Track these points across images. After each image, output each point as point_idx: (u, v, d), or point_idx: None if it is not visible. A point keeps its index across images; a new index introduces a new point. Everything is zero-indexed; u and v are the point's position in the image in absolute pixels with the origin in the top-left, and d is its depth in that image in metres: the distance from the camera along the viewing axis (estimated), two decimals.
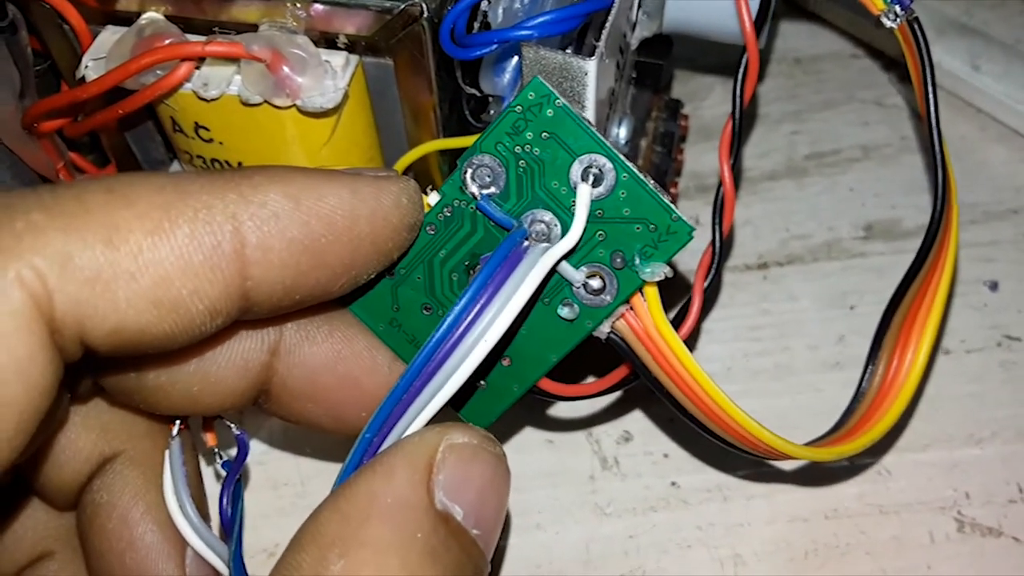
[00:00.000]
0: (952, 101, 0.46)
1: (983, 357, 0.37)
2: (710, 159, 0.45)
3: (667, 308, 0.25)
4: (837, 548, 0.33)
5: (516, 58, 0.31)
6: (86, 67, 0.30)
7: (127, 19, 0.30)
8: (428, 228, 0.24)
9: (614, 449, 0.36)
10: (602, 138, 0.23)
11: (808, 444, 0.30)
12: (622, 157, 0.23)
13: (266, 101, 0.29)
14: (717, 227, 0.29)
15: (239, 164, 0.32)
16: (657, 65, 0.37)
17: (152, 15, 0.30)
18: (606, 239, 0.24)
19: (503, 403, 0.26)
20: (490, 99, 0.33)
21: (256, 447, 0.36)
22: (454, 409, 0.27)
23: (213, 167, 0.32)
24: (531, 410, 0.37)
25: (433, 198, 0.24)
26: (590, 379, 0.28)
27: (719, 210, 0.29)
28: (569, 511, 0.34)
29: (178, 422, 0.25)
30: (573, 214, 0.23)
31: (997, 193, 0.43)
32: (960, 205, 0.31)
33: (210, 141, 0.31)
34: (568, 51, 0.28)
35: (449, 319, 0.21)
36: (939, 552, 0.32)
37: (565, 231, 0.23)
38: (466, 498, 0.21)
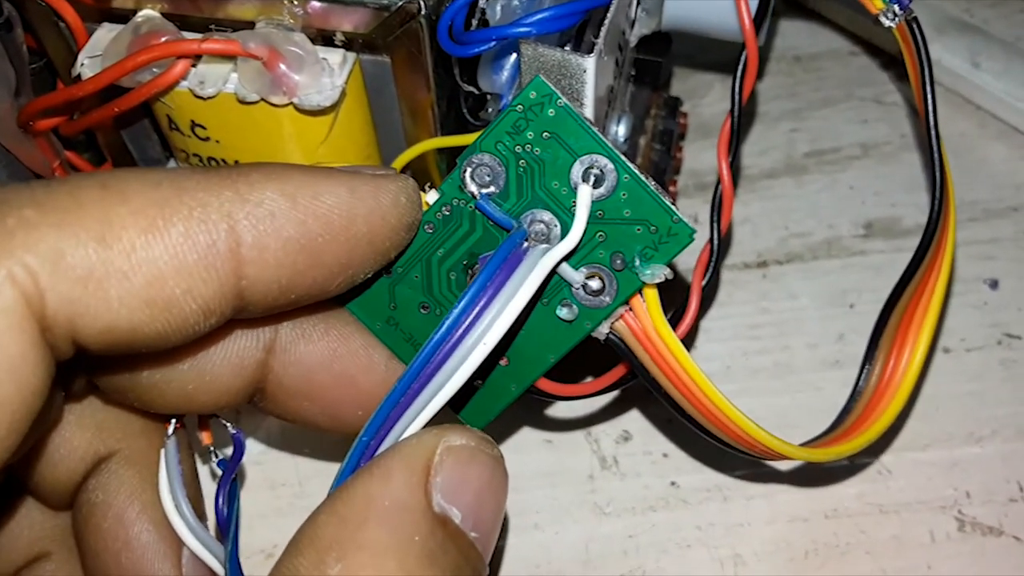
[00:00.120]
0: (952, 98, 0.46)
1: (983, 355, 0.37)
2: (709, 157, 0.45)
3: (666, 307, 0.25)
4: (837, 548, 0.33)
5: (514, 55, 0.30)
6: (82, 65, 0.29)
7: (123, 16, 0.30)
8: (426, 227, 0.24)
9: (613, 449, 0.35)
10: (603, 139, 0.23)
11: (805, 444, 0.30)
12: (623, 158, 0.23)
13: (263, 99, 0.29)
14: (715, 225, 0.29)
15: (236, 162, 0.32)
16: (656, 62, 0.36)
17: (148, 12, 0.29)
18: (606, 240, 0.24)
19: (501, 403, 0.26)
20: (488, 97, 0.33)
21: (253, 447, 0.36)
22: (452, 410, 0.26)
23: (210, 165, 0.32)
24: (530, 410, 0.36)
25: (431, 196, 0.24)
26: (588, 379, 0.28)
27: (717, 208, 0.29)
28: (568, 511, 0.34)
29: (173, 421, 0.25)
30: (573, 215, 0.23)
31: (997, 191, 0.42)
32: (960, 203, 0.31)
33: (207, 139, 0.31)
34: (567, 48, 0.28)
35: (448, 321, 0.21)
36: (939, 551, 0.32)
37: (565, 232, 0.23)
38: (464, 500, 0.21)
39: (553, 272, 0.23)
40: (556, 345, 0.25)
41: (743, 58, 0.29)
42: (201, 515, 0.25)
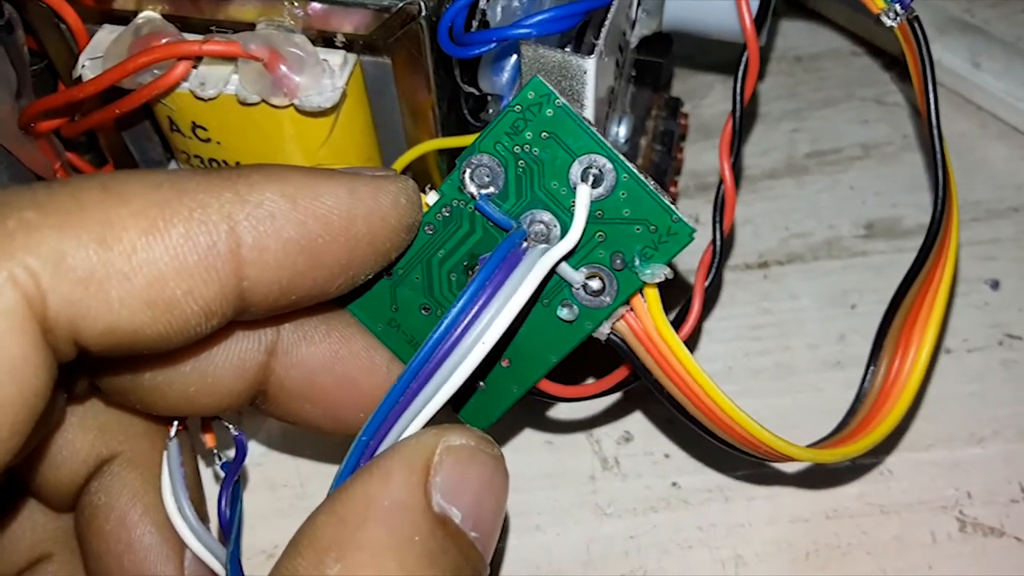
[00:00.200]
0: (952, 98, 0.45)
1: (984, 356, 0.37)
2: (710, 157, 0.45)
3: (667, 308, 0.25)
4: (838, 548, 0.33)
5: (515, 56, 0.30)
6: (83, 66, 0.29)
7: (124, 18, 0.30)
8: (427, 228, 0.24)
9: (614, 449, 0.35)
10: (602, 138, 0.23)
11: (811, 446, 0.30)
12: (622, 157, 0.23)
13: (264, 100, 0.29)
14: (718, 226, 0.29)
15: (236, 164, 0.32)
16: (657, 63, 0.36)
17: (149, 14, 0.29)
18: (606, 240, 0.24)
19: (503, 404, 0.26)
20: (489, 98, 0.33)
21: (255, 448, 0.36)
22: (454, 410, 0.26)
23: (210, 167, 0.32)
24: (531, 411, 0.36)
25: (431, 198, 0.24)
26: (590, 380, 0.28)
27: (720, 209, 0.29)
28: (569, 512, 0.34)
29: (176, 423, 0.25)
30: (572, 215, 0.23)
31: (998, 191, 0.42)
32: (961, 203, 0.30)
33: (207, 141, 0.31)
34: (567, 49, 0.28)
35: (447, 320, 0.21)
36: (941, 552, 0.32)
37: (564, 232, 0.23)
38: (464, 500, 0.21)
39: (552, 272, 0.23)
40: (557, 346, 0.25)
41: (744, 59, 0.29)
42: (203, 517, 0.25)
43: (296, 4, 0.28)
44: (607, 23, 0.28)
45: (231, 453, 0.26)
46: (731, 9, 0.31)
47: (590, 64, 0.27)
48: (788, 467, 0.34)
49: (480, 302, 0.21)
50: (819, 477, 0.34)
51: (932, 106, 0.29)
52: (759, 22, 0.30)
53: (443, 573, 0.19)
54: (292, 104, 0.29)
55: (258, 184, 0.20)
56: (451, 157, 0.33)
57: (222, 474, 0.26)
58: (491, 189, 0.24)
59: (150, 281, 0.18)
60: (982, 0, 0.49)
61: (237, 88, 0.29)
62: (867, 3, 0.29)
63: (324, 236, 0.20)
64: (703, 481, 0.35)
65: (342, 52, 0.29)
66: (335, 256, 0.21)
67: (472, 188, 0.24)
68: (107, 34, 0.30)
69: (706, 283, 0.28)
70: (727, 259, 0.41)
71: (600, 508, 0.34)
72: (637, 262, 0.23)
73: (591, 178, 0.23)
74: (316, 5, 0.28)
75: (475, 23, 0.29)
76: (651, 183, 0.23)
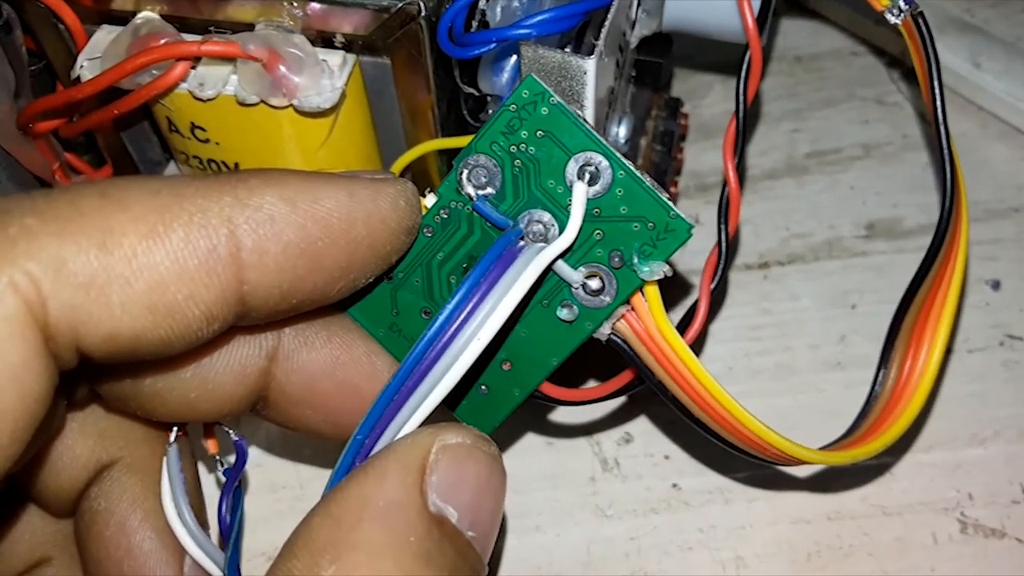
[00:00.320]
0: (953, 99, 0.45)
1: (985, 357, 0.37)
2: (710, 158, 0.45)
3: (669, 308, 0.25)
4: (840, 550, 0.33)
5: (515, 57, 0.30)
6: (81, 67, 0.29)
7: (122, 18, 0.30)
8: (425, 230, 0.24)
9: (615, 451, 0.35)
10: (598, 135, 0.23)
11: (823, 448, 0.29)
12: (618, 154, 0.23)
13: (263, 101, 0.29)
14: (723, 227, 0.28)
15: (235, 164, 0.32)
16: (657, 63, 0.36)
17: (148, 14, 0.29)
18: (604, 238, 0.23)
19: (505, 408, 0.26)
20: (488, 98, 0.32)
21: (254, 450, 0.36)
22: (450, 410, 0.26)
23: (209, 167, 0.32)
24: (531, 412, 0.36)
25: (430, 200, 0.24)
26: (592, 383, 0.28)
27: (724, 210, 0.28)
28: (569, 513, 0.34)
29: (175, 429, 0.25)
30: (570, 213, 0.23)
31: (999, 191, 0.42)
32: None
33: (206, 141, 0.31)
34: (567, 50, 0.28)
35: (441, 317, 0.21)
36: (942, 553, 0.32)
37: (563, 232, 0.23)
38: (460, 499, 0.21)
39: (549, 269, 0.23)
40: (558, 348, 0.25)
41: (747, 59, 0.29)
42: (203, 523, 0.25)
43: (295, 4, 0.28)
44: (607, 23, 0.28)
45: (232, 459, 0.26)
46: (731, 9, 0.31)
47: (590, 64, 0.27)
48: (790, 469, 0.34)
49: (475, 299, 0.21)
50: (820, 478, 0.34)
51: (938, 102, 0.29)
52: (760, 22, 0.30)
53: (440, 573, 0.19)
54: (291, 105, 0.28)
55: (257, 188, 0.20)
56: (450, 158, 0.33)
57: (224, 480, 0.26)
58: (488, 190, 0.24)
59: (151, 286, 0.18)
60: (982, 0, 0.49)
61: (236, 88, 0.29)
62: (871, 1, 0.29)
63: (324, 239, 0.20)
64: (703, 482, 0.34)
65: (341, 52, 0.29)
66: (335, 259, 0.21)
67: (469, 189, 0.24)
68: (105, 34, 0.30)
69: (712, 285, 0.28)
70: (733, 261, 0.41)
71: (600, 509, 0.34)
72: (636, 260, 0.23)
73: (587, 176, 0.23)
74: (315, 5, 0.28)
75: (475, 23, 0.29)
76: (648, 180, 0.23)
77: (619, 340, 0.25)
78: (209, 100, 0.29)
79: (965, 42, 0.45)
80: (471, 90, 0.31)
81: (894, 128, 0.45)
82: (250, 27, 0.29)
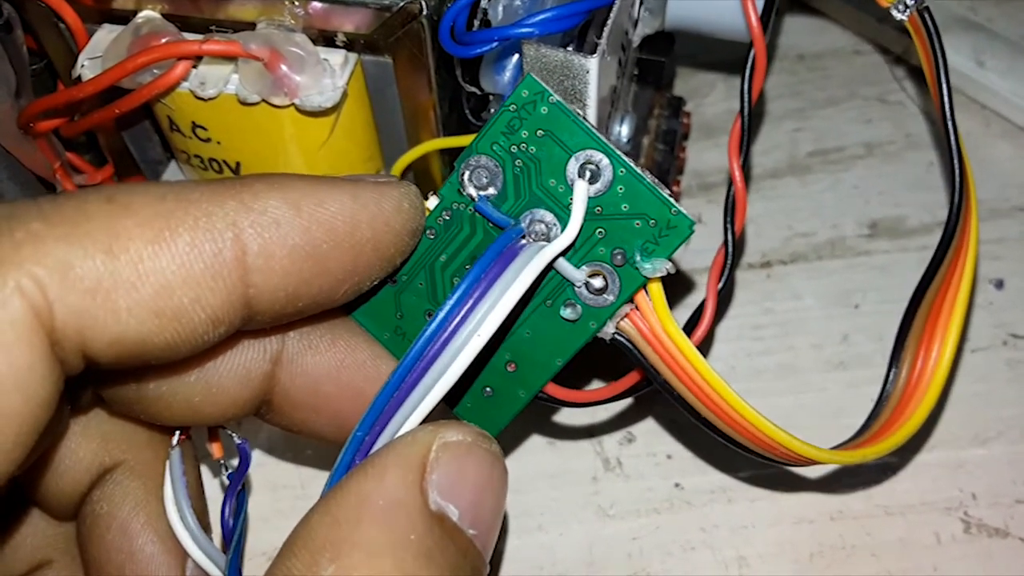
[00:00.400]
0: (956, 97, 0.45)
1: (988, 356, 0.37)
2: (712, 157, 0.45)
3: (672, 307, 0.24)
4: (842, 550, 0.32)
5: (517, 56, 0.30)
6: (82, 66, 0.29)
7: (123, 17, 0.30)
8: (428, 232, 0.24)
9: (617, 450, 0.35)
10: (598, 133, 0.23)
11: (834, 448, 0.29)
12: (619, 152, 0.23)
13: (264, 100, 0.29)
14: (729, 227, 0.28)
15: (237, 164, 0.31)
16: (659, 62, 0.36)
17: (149, 13, 0.29)
18: (606, 236, 0.23)
19: (511, 410, 0.26)
20: (490, 97, 0.32)
21: (255, 450, 0.36)
22: (450, 409, 0.26)
23: (211, 167, 0.32)
24: (533, 412, 0.36)
25: (432, 202, 0.24)
26: (596, 384, 0.28)
27: (731, 210, 0.28)
28: (572, 513, 0.34)
29: (178, 432, 0.25)
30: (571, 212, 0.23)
31: (1002, 190, 0.42)
32: None
33: (207, 140, 0.31)
34: (569, 49, 0.28)
35: (441, 314, 0.21)
36: (945, 553, 0.32)
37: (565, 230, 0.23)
38: (461, 497, 0.20)
39: (550, 268, 0.23)
40: (563, 348, 0.25)
41: (751, 58, 0.29)
42: (206, 527, 0.25)
43: (296, 3, 0.28)
44: (609, 22, 0.28)
45: (235, 462, 0.26)
46: (734, 8, 0.31)
47: (593, 63, 0.27)
48: (795, 469, 0.34)
49: (475, 296, 0.21)
50: (823, 478, 0.34)
51: (946, 98, 0.29)
52: (764, 21, 0.30)
53: (441, 571, 0.19)
54: (292, 104, 0.28)
55: (262, 192, 0.20)
56: (452, 157, 0.33)
57: (227, 483, 0.26)
58: (490, 190, 0.24)
59: (157, 290, 0.18)
60: None
61: (237, 88, 0.29)
62: None
63: (329, 242, 0.20)
64: (706, 482, 0.34)
65: (343, 51, 0.29)
66: (340, 262, 0.21)
67: (471, 190, 0.24)
68: (106, 33, 0.30)
69: (719, 285, 0.27)
70: (739, 261, 0.41)
71: (602, 509, 0.34)
72: (638, 257, 0.23)
73: (588, 174, 0.23)
74: (317, 4, 0.28)
75: (477, 22, 0.29)
76: (649, 177, 0.23)
77: (623, 339, 0.25)
78: (210, 99, 0.29)
79: (969, 40, 0.45)
80: (473, 89, 0.31)
81: (897, 127, 0.45)
82: (251, 26, 0.29)
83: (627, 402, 0.36)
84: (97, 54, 0.29)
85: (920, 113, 0.45)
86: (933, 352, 0.29)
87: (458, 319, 0.21)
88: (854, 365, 0.37)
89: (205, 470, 0.30)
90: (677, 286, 0.39)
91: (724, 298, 0.40)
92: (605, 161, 0.23)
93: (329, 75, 0.28)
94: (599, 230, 0.23)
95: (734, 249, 0.28)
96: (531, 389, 0.25)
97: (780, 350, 0.38)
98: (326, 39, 0.29)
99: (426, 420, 0.22)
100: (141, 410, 0.23)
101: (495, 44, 0.28)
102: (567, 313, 0.24)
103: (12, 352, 0.16)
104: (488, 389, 0.25)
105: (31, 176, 0.33)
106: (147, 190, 0.19)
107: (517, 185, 0.23)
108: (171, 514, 0.24)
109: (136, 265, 0.18)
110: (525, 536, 0.34)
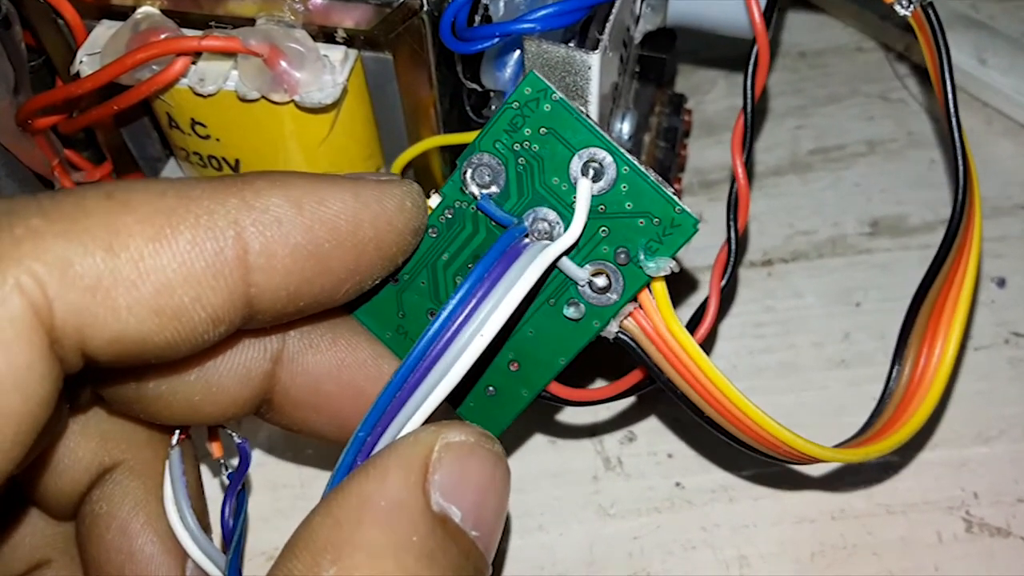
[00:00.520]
0: (958, 95, 0.45)
1: (991, 354, 0.37)
2: (713, 154, 0.44)
3: (675, 306, 0.24)
4: (844, 549, 0.32)
5: (518, 52, 0.30)
6: (81, 62, 0.29)
7: (122, 13, 0.29)
8: (430, 231, 0.24)
9: (617, 449, 0.35)
10: (601, 131, 0.23)
11: (837, 446, 0.29)
12: (622, 150, 0.23)
13: (263, 97, 0.28)
14: (732, 225, 0.28)
15: (236, 161, 0.31)
16: (661, 59, 0.36)
17: (148, 9, 0.29)
18: (609, 235, 0.23)
19: (514, 410, 0.26)
20: (492, 94, 0.32)
21: (255, 449, 0.36)
22: (459, 412, 0.26)
23: (210, 164, 0.32)
24: (533, 411, 0.36)
25: (435, 201, 0.24)
26: (599, 383, 0.28)
27: (733, 208, 0.28)
28: (572, 512, 0.34)
29: (178, 432, 0.25)
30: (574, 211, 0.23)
31: (1004, 188, 0.42)
32: None
33: (207, 137, 0.31)
34: (571, 45, 0.27)
35: (444, 313, 0.21)
36: (947, 552, 0.32)
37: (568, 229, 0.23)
38: (464, 498, 0.20)
39: (553, 267, 0.23)
40: (566, 347, 0.25)
41: (754, 54, 0.29)
42: (206, 526, 0.25)
43: None
44: (611, 18, 0.28)
45: (235, 462, 0.26)
46: (736, 4, 0.31)
47: (594, 59, 0.27)
48: (796, 467, 0.34)
49: (478, 295, 0.21)
50: (824, 477, 0.34)
51: (950, 94, 0.28)
52: (767, 17, 0.30)
53: (443, 573, 0.19)
54: (292, 100, 0.28)
55: (264, 190, 0.19)
56: (453, 154, 0.33)
57: (227, 483, 0.26)
58: (493, 188, 0.23)
59: (158, 288, 0.18)
60: None
61: (237, 84, 0.28)
62: None
63: (331, 241, 0.20)
64: (707, 481, 0.34)
65: (343, 48, 0.29)
66: (342, 261, 0.21)
67: (473, 188, 0.23)
68: (105, 29, 0.30)
69: (722, 283, 0.27)
70: (742, 259, 0.41)
71: (603, 508, 0.34)
72: (642, 256, 0.23)
73: (591, 172, 0.23)
74: (317, 0, 0.28)
75: (478, 18, 0.29)
76: (653, 175, 0.23)
77: (627, 338, 0.25)
78: (210, 96, 0.29)
79: (970, 38, 0.45)
80: (474, 86, 0.31)
81: (899, 124, 0.45)
82: (251, 22, 0.28)
83: (628, 401, 0.36)
84: (96, 50, 0.29)
85: (922, 111, 0.45)
86: (936, 350, 0.29)
87: (461, 318, 0.21)
88: (855, 363, 0.37)
89: (205, 470, 0.30)
90: (679, 284, 0.39)
91: (726, 296, 0.39)
92: (609, 159, 0.23)
93: (329, 71, 0.28)
94: (602, 228, 0.23)
95: (737, 247, 0.28)
96: (534, 388, 0.25)
97: (781, 348, 0.38)
98: (326, 35, 0.29)
99: (429, 420, 0.22)
100: (140, 409, 0.23)
101: (496, 40, 0.28)
102: (570, 312, 0.24)
103: (11, 350, 0.16)
104: (491, 388, 0.25)
105: (29, 173, 0.33)
106: (147, 187, 0.19)
107: (520, 183, 0.23)
108: (171, 514, 0.24)
109: (136, 263, 0.18)
110: (526, 536, 0.33)
